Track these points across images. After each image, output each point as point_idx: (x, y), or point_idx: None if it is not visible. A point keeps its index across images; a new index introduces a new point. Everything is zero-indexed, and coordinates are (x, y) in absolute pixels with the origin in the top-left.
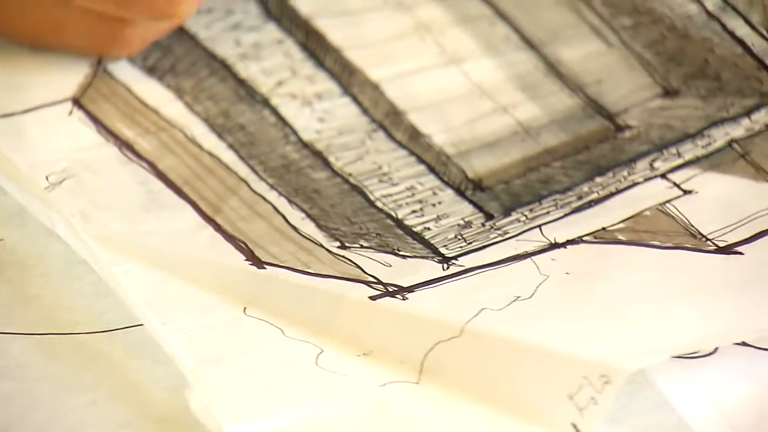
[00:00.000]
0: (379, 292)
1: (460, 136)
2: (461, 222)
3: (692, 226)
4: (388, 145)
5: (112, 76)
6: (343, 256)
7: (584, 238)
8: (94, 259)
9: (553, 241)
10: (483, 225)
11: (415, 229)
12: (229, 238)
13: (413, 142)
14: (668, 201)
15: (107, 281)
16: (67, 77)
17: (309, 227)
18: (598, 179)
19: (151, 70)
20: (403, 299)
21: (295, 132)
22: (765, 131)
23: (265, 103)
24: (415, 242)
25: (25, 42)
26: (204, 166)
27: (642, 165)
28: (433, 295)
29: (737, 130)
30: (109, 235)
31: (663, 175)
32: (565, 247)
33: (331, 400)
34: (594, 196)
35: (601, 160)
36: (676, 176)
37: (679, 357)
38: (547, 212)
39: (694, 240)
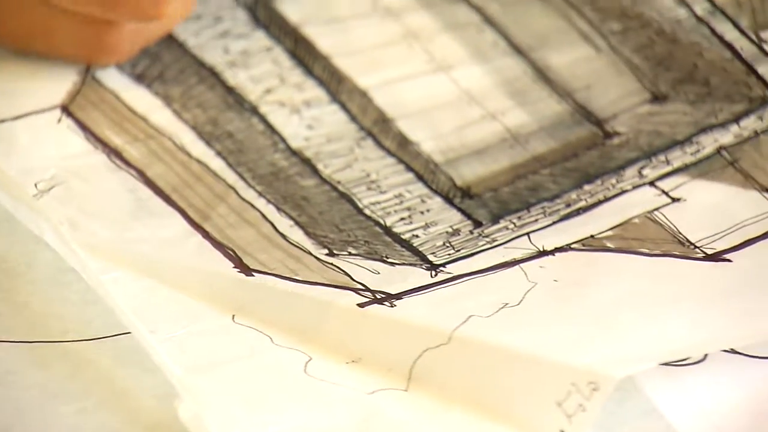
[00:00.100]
0: (368, 300)
1: (448, 143)
2: (449, 229)
3: (680, 233)
4: (377, 152)
5: (101, 84)
6: (332, 264)
7: (572, 246)
8: (82, 267)
9: (541, 249)
10: (471, 232)
11: (403, 237)
12: (218, 245)
13: (402, 150)
14: (657, 209)
15: (96, 289)
16: (56, 84)
17: (297, 235)
18: (587, 187)
19: (140, 78)
20: (391, 306)
21: (283, 139)
22: (754, 138)
23: (254, 110)
24: (403, 249)
25: (12, 47)
26: (192, 174)
27: (630, 172)
28: (422, 303)
29: (726, 137)
30: (98, 242)
31: (651, 183)
32: (554, 255)
33: (320, 407)
34: (582, 203)
35: (589, 167)
36: (664, 184)
37: (667, 364)
38: (536, 220)
39: (683, 247)
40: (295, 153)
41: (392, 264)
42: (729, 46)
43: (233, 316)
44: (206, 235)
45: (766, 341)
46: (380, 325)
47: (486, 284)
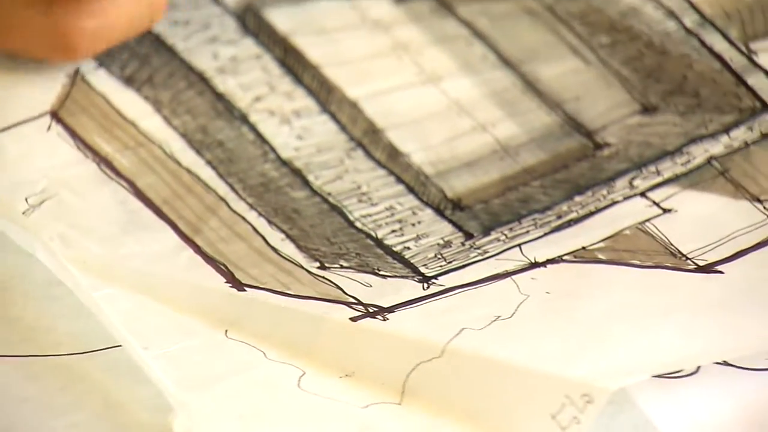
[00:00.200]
0: (360, 313)
1: (438, 155)
2: (441, 241)
3: (672, 245)
4: (367, 164)
5: (90, 86)
6: (324, 277)
7: (564, 258)
8: (74, 284)
9: (533, 261)
10: (463, 244)
11: (395, 249)
12: (209, 260)
13: (392, 162)
14: (648, 220)
15: (88, 306)
16: (45, 90)
17: (289, 248)
18: (578, 198)
19: (129, 81)
20: (384, 320)
21: (273, 149)
22: (744, 148)
23: (244, 119)
24: (395, 262)
25: None
26: (183, 184)
27: (621, 183)
28: (414, 316)
29: (716, 147)
30: (89, 258)
31: (642, 194)
32: (545, 267)
33: (313, 422)
34: (573, 215)
35: (580, 178)
36: (655, 195)
37: (660, 376)
38: (527, 231)
39: (674, 259)
40: (285, 163)
41: (384, 276)
42: (718, 58)
43: (226, 331)
44: (198, 249)
45: (759, 353)
46: (373, 338)
47: (478, 296)
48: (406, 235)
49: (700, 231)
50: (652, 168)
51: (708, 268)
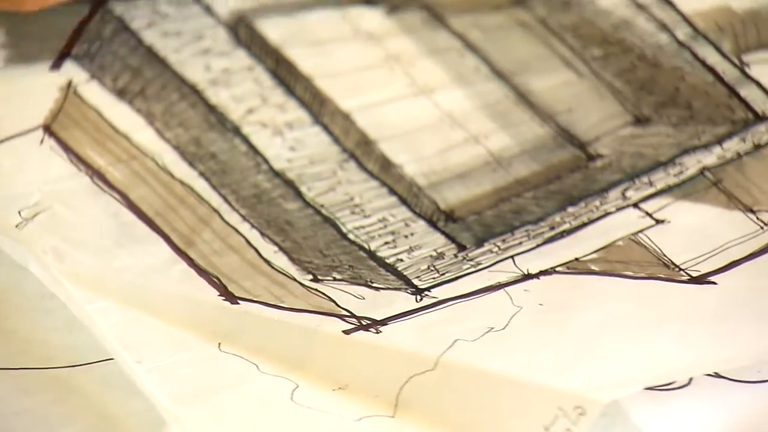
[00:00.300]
0: (353, 326)
1: (431, 166)
2: (434, 253)
3: (665, 256)
4: (360, 175)
5: (83, 99)
6: (316, 290)
7: (557, 269)
8: (67, 297)
9: (526, 272)
10: (455, 256)
11: (387, 261)
12: (202, 273)
13: (385, 173)
14: (641, 231)
15: (81, 319)
16: (37, 104)
17: (282, 260)
18: (570, 209)
19: (121, 93)
20: (377, 332)
21: (266, 161)
22: (737, 159)
23: (236, 131)
24: (388, 274)
25: None
26: (176, 196)
27: (614, 194)
28: (407, 328)
29: (709, 158)
30: (83, 271)
31: (635, 205)
32: (538, 278)
33: None
34: (566, 226)
35: (572, 189)
36: (648, 205)
37: (652, 388)
38: (520, 243)
39: (667, 270)
40: (278, 175)
41: (377, 289)
42: (711, 70)
43: (219, 344)
44: (191, 262)
45: (751, 365)
46: (366, 351)
47: (471, 308)
48: (398, 247)
49: (693, 242)
50: (645, 179)
51: (701, 279)
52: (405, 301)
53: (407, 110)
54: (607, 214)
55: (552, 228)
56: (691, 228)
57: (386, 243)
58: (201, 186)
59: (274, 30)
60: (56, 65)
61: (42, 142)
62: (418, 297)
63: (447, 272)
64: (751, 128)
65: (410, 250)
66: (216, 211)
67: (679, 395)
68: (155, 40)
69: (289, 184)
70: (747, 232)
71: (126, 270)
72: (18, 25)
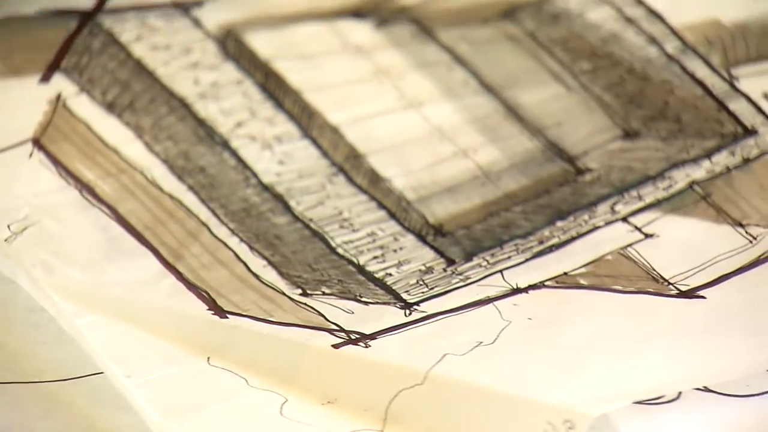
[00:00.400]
0: (342, 340)
1: (420, 180)
2: (423, 267)
3: (654, 270)
4: (349, 189)
5: (72, 113)
6: (306, 304)
7: (546, 283)
8: (57, 311)
9: (515, 286)
10: (444, 270)
11: (376, 275)
12: (191, 287)
13: (373, 187)
14: (630, 245)
15: (70, 333)
16: (26, 117)
17: (271, 275)
18: (559, 223)
19: (111, 107)
20: (366, 347)
21: (255, 174)
22: (726, 173)
23: (225, 144)
24: (377, 288)
25: None
26: (165, 210)
27: (603, 208)
28: (396, 342)
29: (698, 172)
30: (72, 285)
31: (624, 219)
32: (527, 292)
33: None
34: (555, 240)
35: (561, 203)
36: (637, 220)
37: (641, 402)
38: (509, 257)
39: (656, 284)
40: (266, 188)
41: (366, 303)
42: (700, 84)
43: (208, 358)
44: (180, 276)
45: (740, 379)
46: (355, 365)
47: (460, 323)
48: (387, 261)
49: (682, 256)
50: (634, 193)
51: (690, 293)
52: (394, 315)
53: (396, 124)
54: (595, 228)
55: (541, 242)
56: (680, 242)
57: (375, 257)
58: (190, 200)
59: (263, 43)
60: (45, 78)
61: (31, 155)
62: (407, 311)
63: (436, 286)
64: (740, 142)
65: (399, 264)
66: (205, 225)
67: (668, 409)
68: (144, 53)
69: (278, 198)
70: (736, 246)
71: (115, 284)
72: (7, 38)
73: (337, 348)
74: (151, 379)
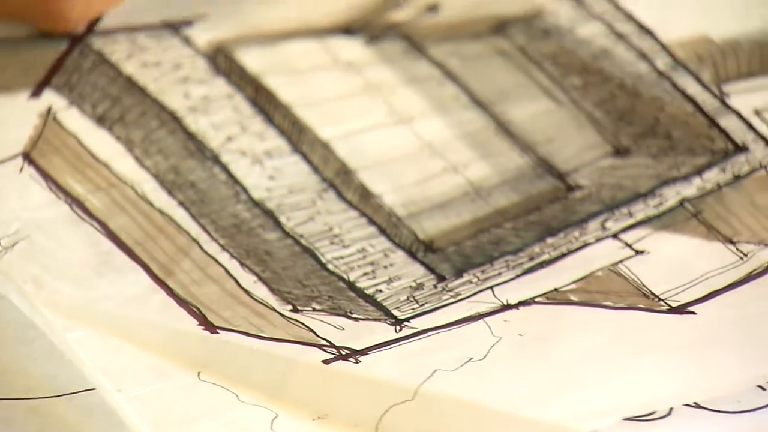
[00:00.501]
0: (332, 356)
1: (410, 196)
2: (413, 284)
3: (644, 286)
4: (339, 205)
5: (62, 126)
6: (296, 320)
7: (536, 299)
8: (47, 326)
9: (505, 303)
10: (435, 287)
11: (367, 292)
12: (182, 302)
13: (364, 203)
14: (620, 261)
15: (61, 349)
16: (16, 131)
17: (261, 291)
18: (550, 240)
19: (101, 120)
20: (356, 362)
21: (245, 190)
22: (717, 190)
23: (215, 159)
24: (367, 305)
25: None
26: (155, 225)
27: (593, 225)
28: (386, 358)
29: (689, 189)
30: (63, 301)
31: (615, 236)
32: (518, 309)
33: None
34: (546, 257)
35: (552, 220)
36: (627, 236)
37: (632, 419)
38: (499, 273)
39: (647, 300)
40: (257, 204)
41: (356, 319)
42: (691, 100)
43: (199, 373)
44: (170, 292)
45: (731, 395)
46: (346, 381)
47: (450, 339)
48: (378, 277)
49: (673, 272)
50: (625, 210)
51: (681, 310)
52: (384, 331)
53: (386, 139)
54: (586, 244)
55: (531, 258)
56: (671, 258)
57: (365, 274)
58: (180, 215)
59: (253, 59)
60: (36, 94)
61: (21, 170)
62: (398, 327)
63: (426, 303)
64: (731, 159)
65: (390, 280)
66: (195, 240)
67: (660, 425)
68: (135, 70)
69: (269, 214)
70: (727, 262)
71: (106, 299)
72: None
73: (327, 363)
74: (142, 394)
